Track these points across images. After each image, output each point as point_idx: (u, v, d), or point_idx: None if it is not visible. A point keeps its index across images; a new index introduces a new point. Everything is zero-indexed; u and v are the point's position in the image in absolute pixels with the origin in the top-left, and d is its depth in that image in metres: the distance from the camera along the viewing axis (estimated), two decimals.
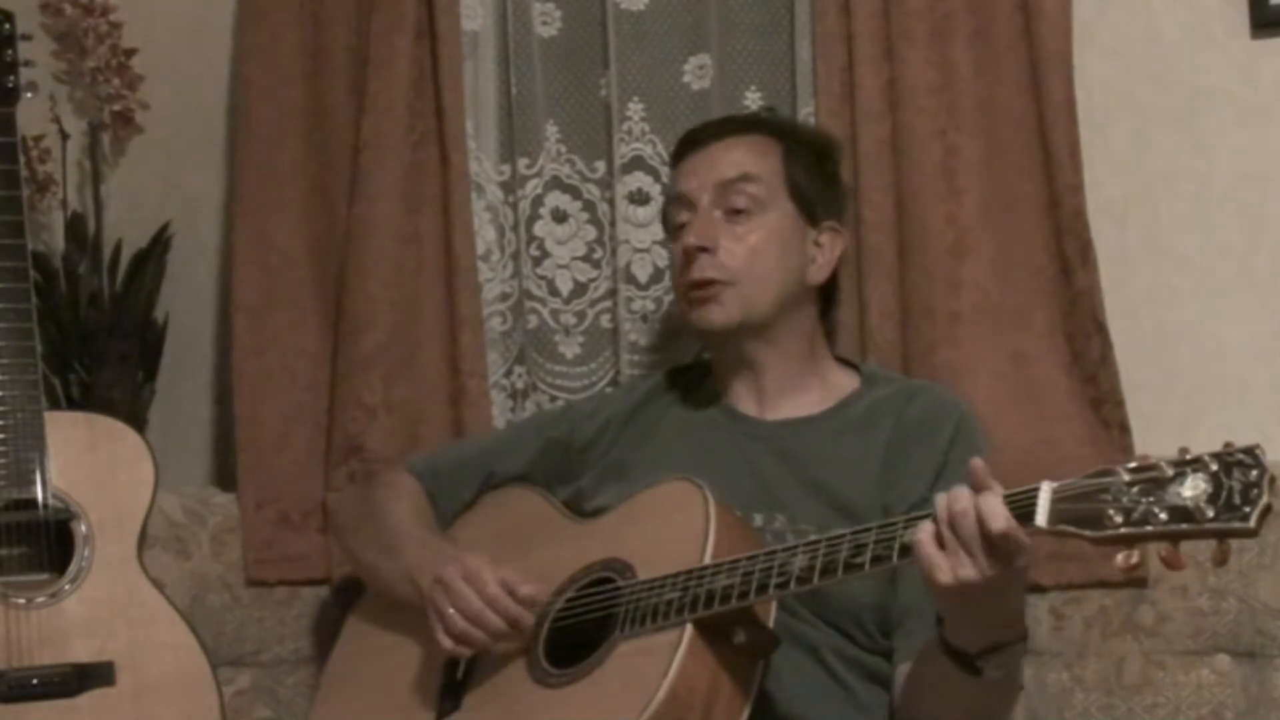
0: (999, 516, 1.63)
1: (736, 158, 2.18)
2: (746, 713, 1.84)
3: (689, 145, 2.24)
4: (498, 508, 2.25)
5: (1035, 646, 2.31)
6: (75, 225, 2.68)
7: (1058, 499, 1.61)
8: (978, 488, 1.66)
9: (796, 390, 2.17)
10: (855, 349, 2.40)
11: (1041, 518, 1.61)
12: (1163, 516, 1.54)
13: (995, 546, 1.64)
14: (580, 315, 2.62)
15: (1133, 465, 1.57)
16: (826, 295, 2.24)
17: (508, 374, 2.61)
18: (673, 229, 2.22)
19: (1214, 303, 2.42)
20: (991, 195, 2.40)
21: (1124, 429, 2.33)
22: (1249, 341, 2.41)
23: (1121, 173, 2.45)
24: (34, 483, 2.25)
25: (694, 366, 2.31)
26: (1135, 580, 2.28)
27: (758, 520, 2.04)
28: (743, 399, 2.19)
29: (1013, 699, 1.93)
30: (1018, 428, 2.33)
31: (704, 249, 2.13)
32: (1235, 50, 2.41)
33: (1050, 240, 2.38)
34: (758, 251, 2.14)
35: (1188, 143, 2.43)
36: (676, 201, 2.21)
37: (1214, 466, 1.52)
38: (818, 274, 2.20)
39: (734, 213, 2.15)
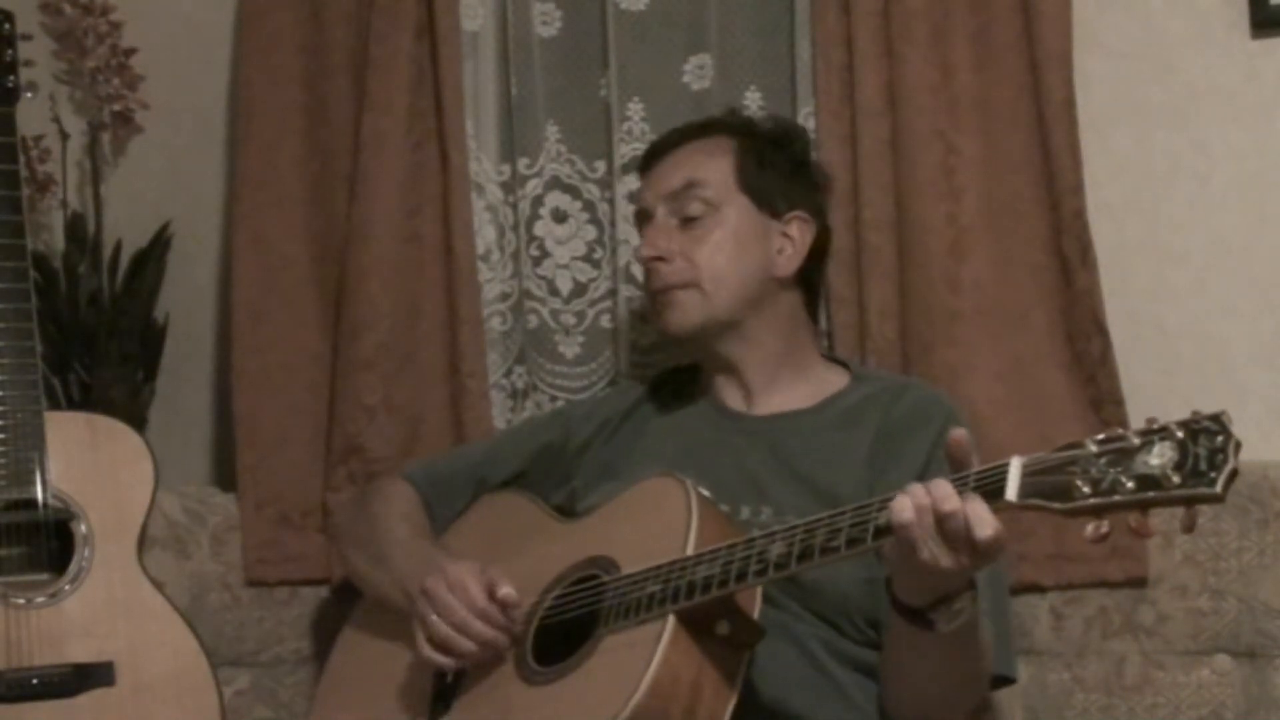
0: (987, 524, 1.64)
1: (684, 165, 2.23)
2: (732, 704, 1.85)
3: (647, 159, 2.31)
4: (487, 513, 2.26)
5: (1035, 646, 2.32)
6: (75, 225, 2.68)
7: (1027, 473, 1.62)
8: (959, 465, 1.68)
9: (783, 385, 2.19)
10: (855, 349, 2.40)
11: (1012, 492, 1.62)
12: (1130, 485, 1.54)
13: (977, 548, 1.65)
14: (580, 315, 2.62)
15: (1101, 437, 1.58)
16: (810, 289, 2.25)
17: (508, 374, 2.61)
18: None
19: (1214, 303, 2.42)
20: (991, 195, 2.40)
21: (1124, 429, 2.32)
22: (1249, 341, 2.41)
23: (1121, 173, 2.45)
24: (34, 483, 2.25)
25: (688, 367, 2.32)
26: (1135, 580, 2.29)
27: (744, 513, 2.05)
28: (731, 395, 2.21)
29: (981, 665, 1.92)
30: (1018, 428, 2.33)
31: (658, 259, 2.19)
32: (1235, 50, 2.41)
33: (1050, 240, 2.38)
34: (713, 252, 2.18)
35: (1188, 143, 2.43)
36: (638, 216, 2.28)
37: (1180, 434, 1.53)
38: (787, 265, 2.20)
39: (688, 220, 2.20)
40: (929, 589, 1.75)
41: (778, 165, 2.23)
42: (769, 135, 2.26)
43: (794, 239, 2.20)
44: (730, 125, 2.28)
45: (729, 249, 2.18)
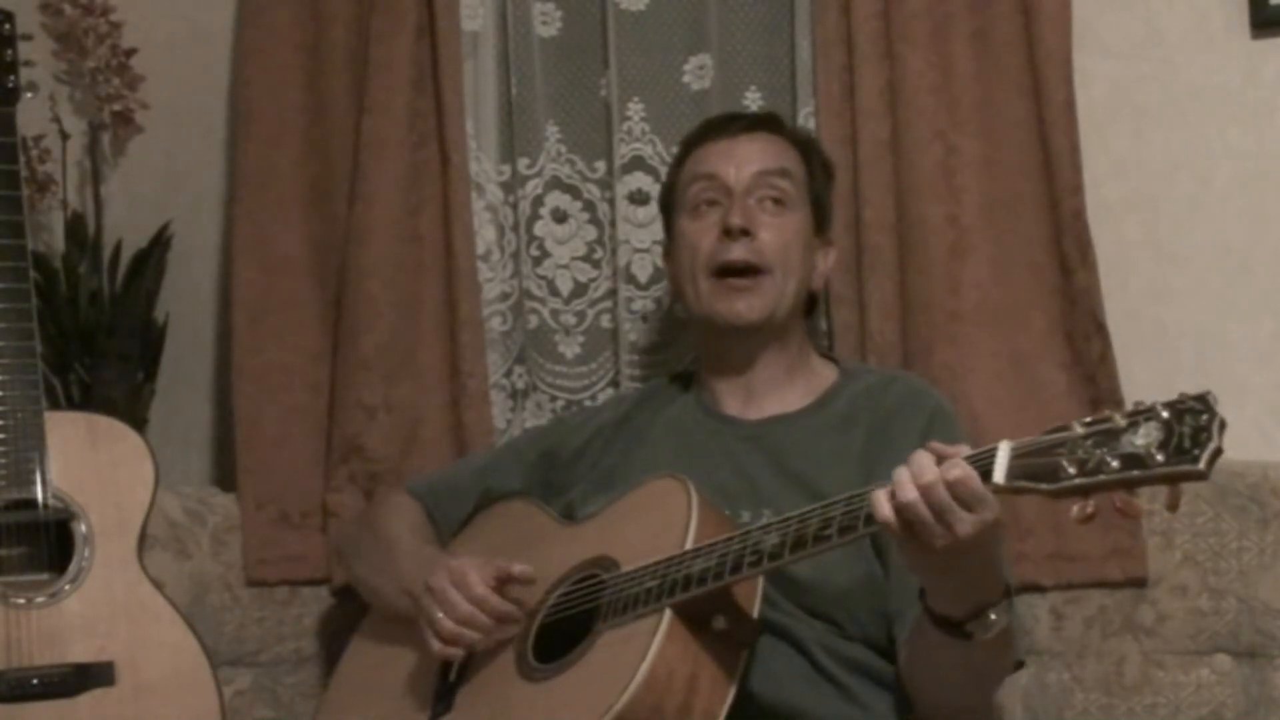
0: (955, 465, 1.66)
1: (775, 151, 2.21)
2: (729, 699, 1.85)
3: (716, 131, 2.25)
4: (492, 520, 2.27)
5: (1035, 646, 2.32)
6: (75, 225, 2.68)
7: (1015, 455, 1.64)
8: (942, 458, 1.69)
9: (781, 389, 2.19)
10: (855, 349, 2.41)
11: (1000, 474, 1.64)
12: (1115, 464, 1.56)
13: (956, 496, 1.66)
14: (580, 315, 2.62)
15: (1088, 419, 1.60)
16: (809, 302, 2.28)
17: (508, 374, 2.61)
18: (693, 207, 2.20)
19: (1214, 303, 2.42)
20: (991, 195, 2.40)
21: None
22: (1249, 341, 2.41)
23: (1121, 173, 2.45)
24: (34, 483, 2.25)
25: (680, 375, 2.32)
26: (1135, 580, 2.29)
27: (745, 516, 2.05)
28: (727, 400, 2.21)
29: (1010, 659, 1.94)
30: (1017, 428, 2.29)
31: (746, 232, 2.13)
32: (1235, 50, 2.41)
33: (1050, 240, 2.38)
34: (789, 245, 2.17)
35: (1188, 143, 2.43)
36: (703, 181, 2.20)
37: (1165, 414, 1.55)
38: (817, 282, 2.25)
39: (770, 203, 2.17)
40: (960, 593, 1.75)
41: (827, 189, 2.27)
42: (824, 159, 2.29)
43: (825, 260, 2.26)
44: (794, 135, 2.28)
45: (799, 247, 2.18)
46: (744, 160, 2.19)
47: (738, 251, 2.13)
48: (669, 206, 2.28)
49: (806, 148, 2.26)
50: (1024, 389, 2.37)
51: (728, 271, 2.14)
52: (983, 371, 2.36)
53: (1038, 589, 2.32)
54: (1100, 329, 2.35)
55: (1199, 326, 2.43)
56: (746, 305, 2.14)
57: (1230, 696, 2.26)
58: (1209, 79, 2.42)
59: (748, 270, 2.14)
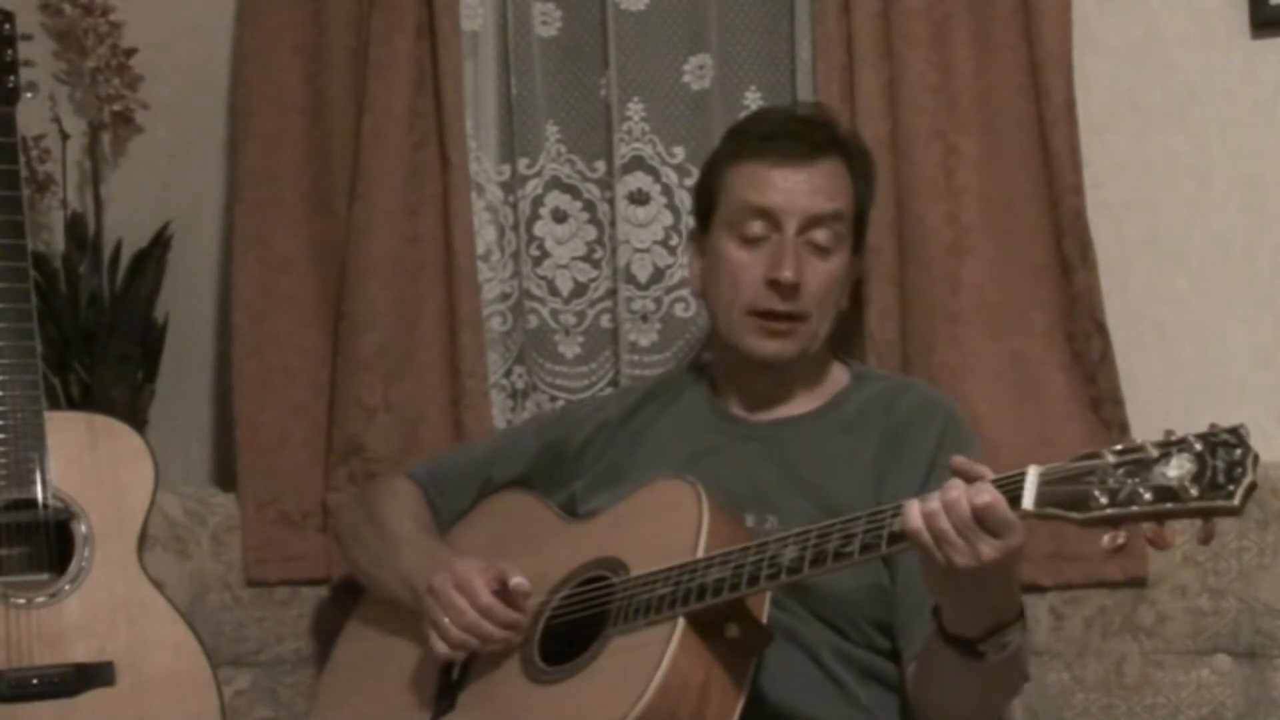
0: (984, 491, 1.65)
1: (830, 189, 2.12)
2: (740, 707, 1.85)
3: (777, 152, 2.12)
4: (494, 512, 2.26)
5: (1035, 646, 2.31)
6: (75, 225, 2.68)
7: (1044, 482, 1.63)
8: (969, 479, 1.68)
9: (791, 393, 2.18)
10: (855, 349, 2.40)
11: (1029, 500, 1.63)
12: (1147, 496, 1.55)
13: (983, 522, 1.65)
14: (580, 315, 2.62)
15: (1119, 448, 1.59)
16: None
17: (508, 374, 2.61)
18: (741, 236, 2.12)
19: (1214, 303, 2.42)
20: (991, 195, 2.40)
21: (1123, 429, 2.33)
22: (1249, 341, 2.41)
23: (1121, 173, 2.45)
24: (34, 483, 2.25)
25: (688, 370, 2.31)
26: (1135, 580, 2.29)
27: (750, 521, 2.04)
28: (737, 401, 2.20)
29: (1019, 680, 1.94)
30: (1018, 428, 2.33)
31: (795, 285, 2.09)
32: (1235, 50, 2.41)
33: (1050, 240, 2.38)
34: (829, 290, 2.13)
35: (1188, 143, 2.43)
36: (758, 214, 2.11)
37: (1199, 447, 1.54)
38: (845, 299, 2.21)
39: (815, 247, 2.11)
40: (976, 613, 1.75)
41: (869, 204, 2.21)
42: (868, 173, 2.21)
43: (857, 274, 2.23)
44: (848, 150, 2.18)
45: (837, 289, 2.15)
46: (799, 197, 2.10)
47: (782, 303, 2.09)
48: (708, 207, 2.19)
49: (857, 164, 2.18)
50: (1024, 389, 2.37)
51: (770, 316, 2.11)
52: (982, 372, 2.36)
53: (1038, 589, 2.31)
54: (1100, 329, 2.35)
55: (1199, 326, 2.43)
56: (780, 347, 2.11)
57: (1230, 696, 2.26)
58: (1209, 79, 2.42)
59: (788, 318, 2.11)
